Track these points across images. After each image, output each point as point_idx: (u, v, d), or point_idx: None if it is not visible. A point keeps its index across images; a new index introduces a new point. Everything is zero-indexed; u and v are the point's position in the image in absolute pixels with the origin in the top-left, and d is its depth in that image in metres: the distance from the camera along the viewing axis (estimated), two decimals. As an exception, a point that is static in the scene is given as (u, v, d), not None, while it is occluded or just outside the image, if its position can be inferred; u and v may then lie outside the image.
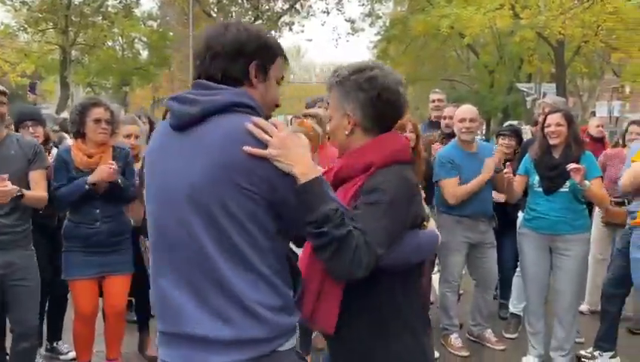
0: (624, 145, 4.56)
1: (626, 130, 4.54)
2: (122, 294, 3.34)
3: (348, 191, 1.60)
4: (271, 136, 1.35)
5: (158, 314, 1.44)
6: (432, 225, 1.75)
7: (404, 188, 1.57)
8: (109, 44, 23.05)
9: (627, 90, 22.93)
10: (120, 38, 23.21)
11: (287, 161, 1.35)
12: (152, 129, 4.40)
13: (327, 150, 3.08)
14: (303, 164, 1.37)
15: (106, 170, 3.13)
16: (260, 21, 24.16)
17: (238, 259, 1.32)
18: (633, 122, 4.61)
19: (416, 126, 3.67)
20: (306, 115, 3.93)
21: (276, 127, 1.37)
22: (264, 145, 1.34)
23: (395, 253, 1.54)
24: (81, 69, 22.78)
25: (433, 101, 5.25)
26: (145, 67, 23.48)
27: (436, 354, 3.64)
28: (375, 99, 1.62)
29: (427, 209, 1.77)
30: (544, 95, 14.32)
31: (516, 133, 4.65)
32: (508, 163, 4.04)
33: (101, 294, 3.36)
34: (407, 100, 1.70)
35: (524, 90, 19.96)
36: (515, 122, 6.92)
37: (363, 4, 25.76)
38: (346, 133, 1.66)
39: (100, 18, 21.73)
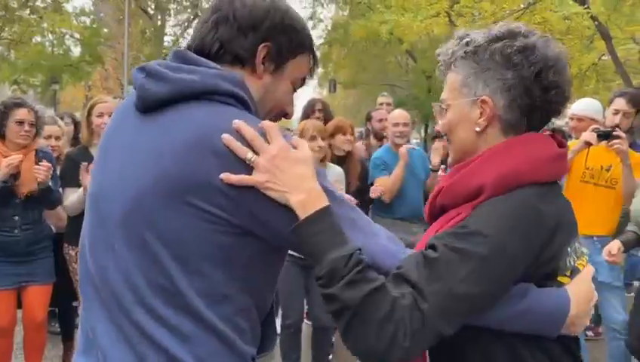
0: None
1: None
2: (42, 304, 3.15)
3: (442, 228, 1.08)
4: (257, 153, 0.97)
5: (82, 352, 1.10)
6: (581, 280, 1.08)
7: (527, 231, 1.00)
8: (38, 39, 21.91)
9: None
10: (49, 33, 22.10)
11: (279, 188, 0.97)
12: (76, 129, 4.23)
13: None
14: (301, 189, 0.97)
15: (43, 171, 2.96)
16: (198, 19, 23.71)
17: (177, 304, 0.98)
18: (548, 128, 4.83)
19: (354, 128, 3.77)
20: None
21: (267, 136, 0.99)
22: (248, 165, 0.97)
23: (484, 317, 1.01)
24: (7, 66, 21.50)
25: (381, 104, 5.36)
26: (76, 64, 22.46)
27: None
28: (532, 81, 1.06)
29: (579, 253, 1.11)
30: (478, 100, 14.88)
31: None
32: (443, 166, 4.14)
33: (20, 305, 3.16)
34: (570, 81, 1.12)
35: (460, 95, 20.64)
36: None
37: (305, 7, 25.85)
38: (477, 129, 1.10)
39: (28, 12, 20.61)
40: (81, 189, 3.08)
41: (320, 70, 35.46)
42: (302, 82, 1.18)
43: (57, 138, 3.69)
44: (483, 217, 1.01)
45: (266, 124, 1.02)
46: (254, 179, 0.97)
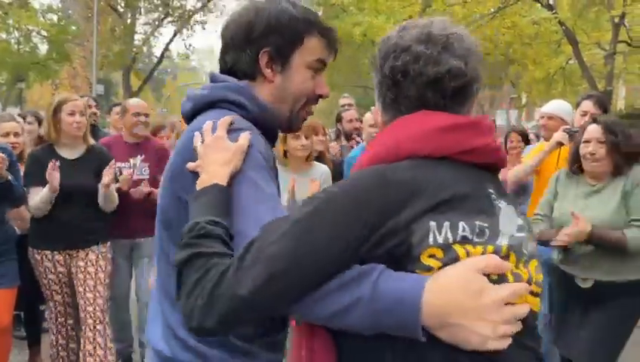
0: (506, 152, 4.84)
1: (507, 138, 4.81)
2: (6, 309, 3.02)
3: None
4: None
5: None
6: (459, 266, 0.85)
7: (360, 194, 0.89)
8: (3, 36, 21.28)
9: (523, 100, 24.69)
10: (15, 30, 21.50)
11: (201, 171, 1.11)
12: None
13: None
14: (207, 171, 1.08)
15: None
16: (170, 18, 23.38)
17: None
18: (513, 130, 4.89)
19: (325, 129, 3.78)
20: None
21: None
22: None
23: (301, 302, 0.87)
24: (-30, 63, 20.82)
25: (343, 105, 5.46)
26: (43, 62, 21.91)
27: None
28: (382, 74, 1.05)
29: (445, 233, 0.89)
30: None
31: None
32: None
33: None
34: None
35: (432, 97, 20.86)
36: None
37: (278, 8, 25.81)
38: None
39: (-8, 8, 20.00)
40: (46, 188, 2.96)
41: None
42: (321, 63, 1.22)
43: (16, 134, 3.52)
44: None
45: (220, 120, 1.14)
46: (193, 164, 1.13)
